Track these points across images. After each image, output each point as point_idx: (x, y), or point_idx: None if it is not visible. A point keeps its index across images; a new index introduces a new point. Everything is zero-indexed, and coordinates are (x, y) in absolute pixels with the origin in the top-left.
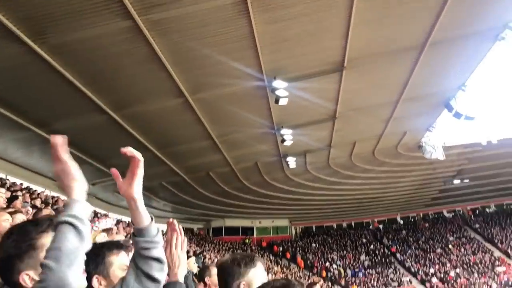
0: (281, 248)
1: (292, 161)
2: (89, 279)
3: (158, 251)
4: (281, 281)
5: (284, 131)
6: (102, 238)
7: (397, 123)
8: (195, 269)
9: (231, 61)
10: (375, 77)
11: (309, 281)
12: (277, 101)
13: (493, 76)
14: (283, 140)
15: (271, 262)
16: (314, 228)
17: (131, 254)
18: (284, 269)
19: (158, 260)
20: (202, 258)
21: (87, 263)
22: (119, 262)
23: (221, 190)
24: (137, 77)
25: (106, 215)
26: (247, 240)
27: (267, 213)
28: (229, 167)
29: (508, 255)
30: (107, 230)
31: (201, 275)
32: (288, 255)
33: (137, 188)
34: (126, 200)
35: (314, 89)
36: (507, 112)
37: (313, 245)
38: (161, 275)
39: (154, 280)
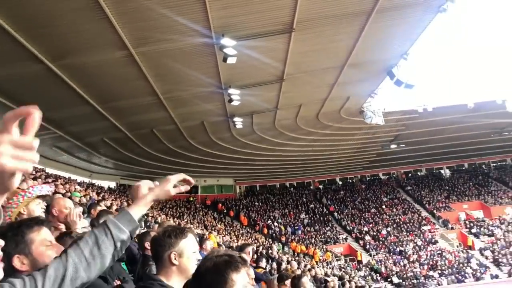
0: (225, 207)
1: (239, 122)
2: (9, 259)
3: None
4: (224, 257)
5: (231, 90)
6: (36, 205)
7: (341, 88)
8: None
9: (177, 16)
10: (323, 41)
11: (241, 243)
12: (225, 60)
13: (433, 47)
14: (230, 100)
15: (215, 220)
16: (258, 187)
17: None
18: (228, 227)
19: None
20: (145, 216)
21: (6, 243)
22: (41, 238)
23: (166, 148)
24: (77, 26)
25: (43, 170)
26: (191, 199)
27: (212, 172)
28: (174, 125)
29: (433, 215)
30: (43, 197)
31: (141, 240)
32: (232, 213)
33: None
34: (154, 198)
35: (263, 49)
36: (443, 81)
37: (257, 203)
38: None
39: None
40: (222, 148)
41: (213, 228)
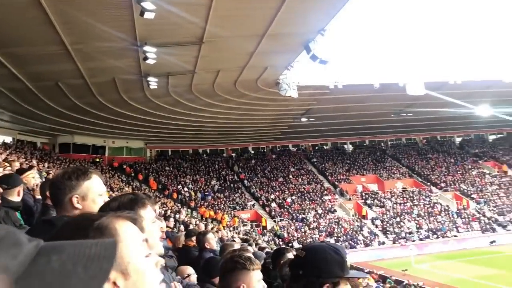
0: (133, 170)
1: (153, 82)
2: None
3: None
4: (129, 195)
5: (147, 48)
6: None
7: (260, 57)
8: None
9: None
10: (245, 6)
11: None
12: (142, 14)
13: (350, 25)
14: (145, 58)
15: (122, 182)
16: (170, 152)
17: None
18: (135, 190)
19: None
20: (46, 174)
21: None
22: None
23: (71, 104)
24: None
25: None
26: (97, 159)
27: (122, 133)
28: (82, 79)
29: (334, 186)
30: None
31: (42, 189)
32: (141, 177)
33: None
34: None
35: (184, 6)
36: (355, 60)
37: (167, 168)
38: None
39: None
40: (133, 109)
41: (120, 191)
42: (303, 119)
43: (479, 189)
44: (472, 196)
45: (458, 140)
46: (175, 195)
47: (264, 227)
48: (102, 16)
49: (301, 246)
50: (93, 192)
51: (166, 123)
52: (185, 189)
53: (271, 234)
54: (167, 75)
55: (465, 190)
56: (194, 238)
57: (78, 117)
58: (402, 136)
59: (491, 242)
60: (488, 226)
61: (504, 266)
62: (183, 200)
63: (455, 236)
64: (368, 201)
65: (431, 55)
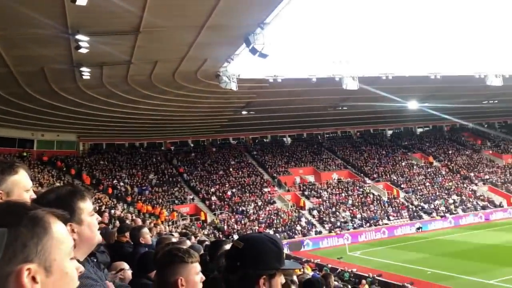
0: (65, 164)
1: (86, 72)
2: None
3: None
4: (67, 187)
5: (80, 36)
6: None
7: (200, 49)
8: None
9: None
10: None
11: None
12: (74, 0)
13: (290, 20)
14: (78, 47)
15: (52, 177)
16: (104, 146)
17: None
18: None
19: None
20: None
21: None
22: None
23: None
24: None
25: None
26: (25, 153)
27: (52, 126)
28: (6, 68)
29: (273, 178)
30: None
31: None
32: (73, 172)
33: None
34: None
35: None
36: (294, 54)
37: (102, 162)
38: None
39: None
40: (64, 100)
41: (50, 186)
42: (243, 112)
43: (407, 179)
44: (402, 186)
45: (389, 133)
46: (110, 190)
47: (204, 221)
48: (28, 0)
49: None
50: (20, 188)
51: (100, 115)
52: (121, 183)
53: (211, 227)
54: (101, 65)
55: (395, 180)
56: (127, 234)
57: (2, 109)
58: (338, 129)
59: (418, 229)
60: (415, 214)
61: (428, 251)
62: (119, 195)
63: (386, 224)
64: (306, 192)
65: (366, 50)
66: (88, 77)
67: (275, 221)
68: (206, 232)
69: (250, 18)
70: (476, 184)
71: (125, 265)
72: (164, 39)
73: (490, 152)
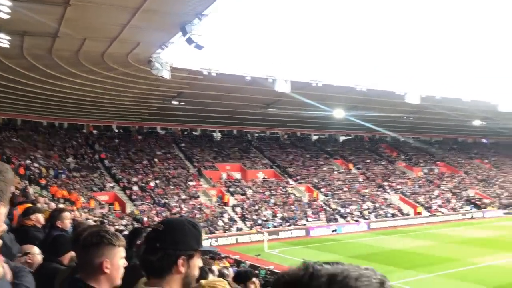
0: None
1: (4, 40)
2: None
3: None
4: None
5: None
6: None
7: (133, 31)
8: None
9: None
10: None
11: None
12: None
13: (229, 16)
14: None
15: None
16: (19, 122)
17: None
18: None
19: None
20: None
21: None
22: None
23: None
24: None
25: None
26: None
27: None
28: None
29: (200, 173)
30: None
31: None
32: None
33: None
34: None
35: None
36: (231, 50)
37: (15, 140)
38: None
39: None
40: None
41: None
42: (174, 102)
43: (327, 183)
44: (322, 189)
45: (314, 138)
46: (22, 171)
47: (123, 211)
48: None
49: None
50: None
51: (17, 88)
52: (35, 164)
53: (130, 218)
54: (23, 34)
55: (317, 183)
56: (33, 217)
57: None
58: (267, 129)
59: (333, 231)
60: (332, 217)
61: (341, 252)
62: (32, 176)
63: (304, 224)
64: (231, 189)
65: (300, 56)
66: (7, 46)
67: (197, 216)
68: (124, 223)
69: (188, 8)
70: (388, 193)
71: (35, 249)
72: (96, 16)
73: (403, 164)
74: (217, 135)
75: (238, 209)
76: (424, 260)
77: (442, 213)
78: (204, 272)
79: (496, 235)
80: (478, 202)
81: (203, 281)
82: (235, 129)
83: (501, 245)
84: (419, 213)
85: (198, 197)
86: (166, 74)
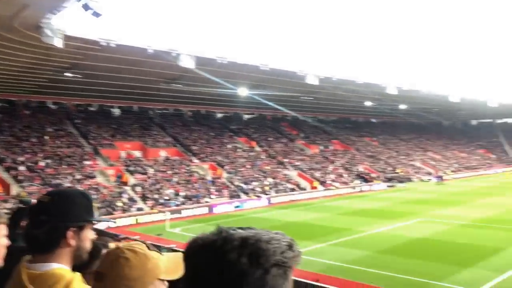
0: None
1: None
2: None
3: None
4: None
5: None
6: None
7: None
8: None
9: None
10: None
11: None
12: None
13: None
14: None
15: None
16: None
17: None
18: None
19: None
20: None
21: None
22: None
23: None
24: None
25: None
26: None
27: None
28: None
29: (96, 151)
30: None
31: None
32: None
33: None
34: None
35: None
36: (133, 20)
37: None
38: None
39: None
40: None
41: None
42: (68, 74)
43: (231, 160)
44: (225, 167)
45: (219, 115)
46: None
47: (8, 193)
48: None
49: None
50: None
51: None
52: None
53: (16, 200)
54: None
55: (220, 161)
56: None
57: None
58: (170, 106)
59: (236, 207)
60: (235, 193)
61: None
62: None
63: (207, 202)
64: (131, 168)
65: (206, 31)
66: None
67: (94, 197)
68: (9, 206)
69: None
70: (288, 169)
71: None
72: None
73: (302, 142)
74: (116, 111)
75: (138, 189)
76: (319, 231)
77: (336, 187)
78: (98, 247)
79: (381, 205)
80: (366, 177)
81: (120, 244)
82: (136, 105)
83: (384, 214)
84: (315, 188)
85: (94, 177)
86: (58, 43)
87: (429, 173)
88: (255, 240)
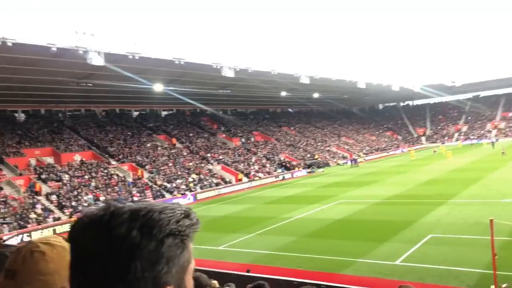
0: None
1: None
2: None
3: None
4: None
5: None
6: None
7: None
8: None
9: None
10: None
11: None
12: None
13: None
14: None
15: None
16: None
17: None
18: None
19: None
20: None
21: None
22: None
23: None
24: None
25: None
26: None
27: None
28: None
29: (1, 161)
30: None
31: None
32: None
33: None
34: None
35: None
36: (35, 14)
37: None
38: None
39: None
40: None
41: None
42: None
43: (152, 160)
44: (146, 166)
45: (135, 114)
46: None
47: None
48: None
49: None
50: None
51: None
52: None
53: None
54: None
55: (140, 161)
56: None
57: None
58: (81, 107)
59: None
60: (158, 193)
61: None
62: None
63: None
64: (43, 176)
65: (113, 26)
66: None
67: (2, 210)
68: None
69: None
70: (211, 164)
71: None
72: None
73: (224, 135)
74: (20, 116)
75: (53, 197)
76: (246, 222)
77: (259, 177)
78: (3, 257)
79: (303, 191)
80: (288, 165)
81: (35, 239)
82: (42, 108)
83: (307, 199)
84: (240, 180)
85: (1, 188)
86: None
87: (344, 157)
88: (146, 211)
